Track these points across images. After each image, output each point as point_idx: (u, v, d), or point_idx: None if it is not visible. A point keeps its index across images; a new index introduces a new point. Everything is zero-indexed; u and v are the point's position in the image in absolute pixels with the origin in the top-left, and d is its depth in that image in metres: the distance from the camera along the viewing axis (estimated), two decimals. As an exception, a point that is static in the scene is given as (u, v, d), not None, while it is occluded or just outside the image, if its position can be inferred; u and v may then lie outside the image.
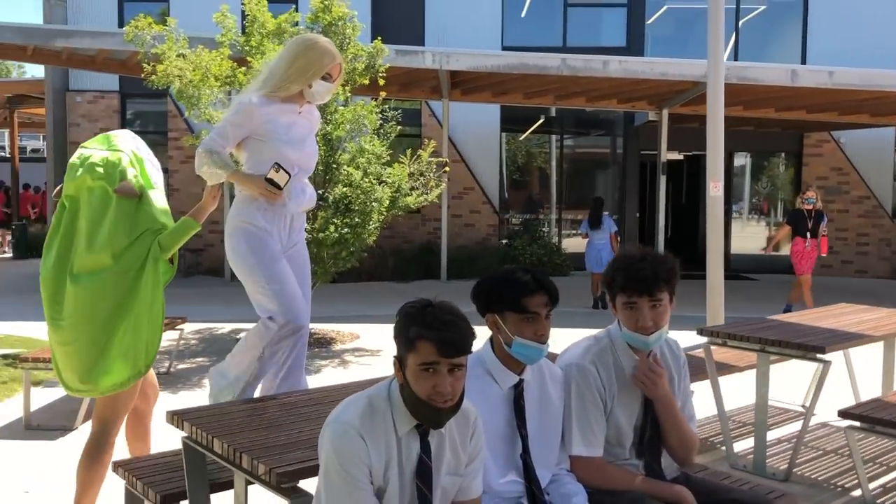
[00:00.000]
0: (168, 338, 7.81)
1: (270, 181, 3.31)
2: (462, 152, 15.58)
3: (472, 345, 2.07)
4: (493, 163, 15.89)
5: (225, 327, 9.23)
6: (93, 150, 3.48)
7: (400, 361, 2.06)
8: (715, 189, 8.28)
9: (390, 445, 2.06)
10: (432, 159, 8.33)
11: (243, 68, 7.65)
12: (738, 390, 5.92)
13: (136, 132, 3.79)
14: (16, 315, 9.76)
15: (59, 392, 6.26)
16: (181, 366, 7.33)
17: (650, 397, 2.53)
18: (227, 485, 2.95)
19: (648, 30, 16.15)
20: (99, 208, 3.35)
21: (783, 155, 16.73)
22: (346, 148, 7.76)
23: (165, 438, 3.99)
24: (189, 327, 8.67)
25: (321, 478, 2.08)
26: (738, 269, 16.09)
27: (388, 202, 7.58)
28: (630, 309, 2.49)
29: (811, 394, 4.73)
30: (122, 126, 15.75)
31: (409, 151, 8.23)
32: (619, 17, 16.13)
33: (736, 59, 15.73)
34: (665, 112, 13.73)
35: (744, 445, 5.02)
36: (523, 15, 16.00)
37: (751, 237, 16.60)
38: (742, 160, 16.99)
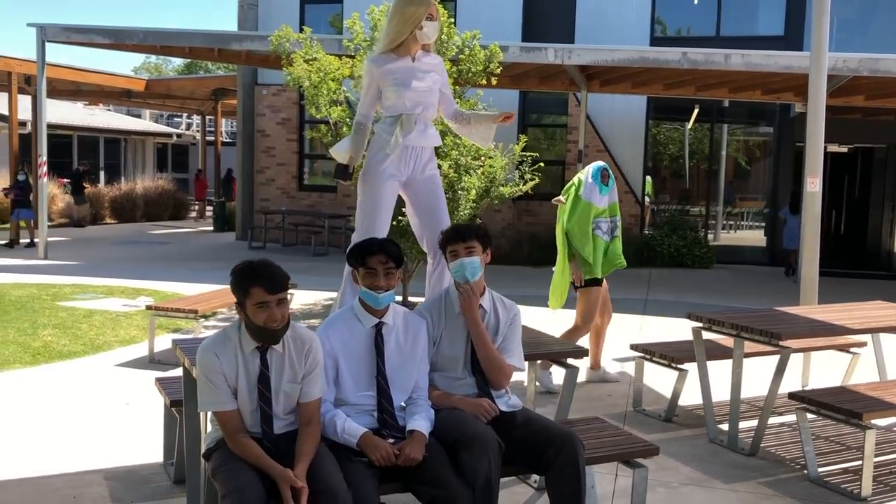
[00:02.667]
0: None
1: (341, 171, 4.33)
2: (606, 142, 15.96)
3: (288, 283, 2.96)
4: (637, 153, 16.11)
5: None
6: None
7: (241, 306, 2.96)
8: (812, 185, 8.34)
9: (238, 360, 2.98)
10: (526, 154, 9.04)
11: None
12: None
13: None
14: (191, 277, 11.66)
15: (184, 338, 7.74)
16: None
17: (463, 311, 3.42)
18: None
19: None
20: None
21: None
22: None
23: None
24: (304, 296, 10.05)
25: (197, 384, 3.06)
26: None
27: (475, 192, 8.33)
28: (454, 256, 3.45)
29: (774, 379, 5.03)
30: (301, 115, 17.68)
31: (500, 145, 8.96)
32: (777, 4, 15.72)
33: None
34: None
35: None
36: (676, 5, 16.05)
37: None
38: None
